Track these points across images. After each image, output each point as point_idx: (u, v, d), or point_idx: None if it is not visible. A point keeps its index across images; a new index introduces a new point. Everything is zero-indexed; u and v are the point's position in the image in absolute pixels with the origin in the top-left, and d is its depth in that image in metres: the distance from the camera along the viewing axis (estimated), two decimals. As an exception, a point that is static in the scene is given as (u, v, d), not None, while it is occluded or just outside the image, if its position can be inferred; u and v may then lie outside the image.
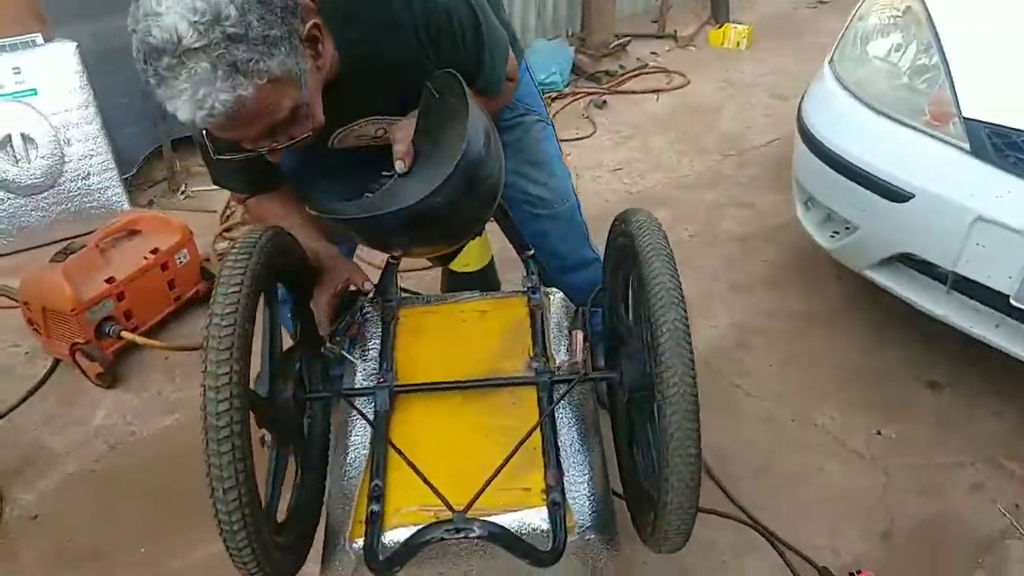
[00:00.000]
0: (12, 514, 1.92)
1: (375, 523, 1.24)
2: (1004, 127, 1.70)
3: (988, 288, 1.78)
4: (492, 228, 1.75)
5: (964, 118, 1.75)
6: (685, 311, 1.16)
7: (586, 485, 1.32)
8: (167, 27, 1.08)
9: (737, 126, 3.59)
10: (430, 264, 2.40)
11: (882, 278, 2.03)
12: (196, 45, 1.08)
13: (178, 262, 2.38)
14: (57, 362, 2.32)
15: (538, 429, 1.36)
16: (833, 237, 2.13)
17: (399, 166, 1.32)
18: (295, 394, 1.34)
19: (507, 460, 1.26)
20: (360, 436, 1.38)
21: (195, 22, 1.08)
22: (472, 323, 1.56)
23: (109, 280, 2.21)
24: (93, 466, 2.04)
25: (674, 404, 1.12)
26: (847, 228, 2.12)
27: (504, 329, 1.54)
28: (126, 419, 2.17)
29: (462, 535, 1.12)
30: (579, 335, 1.47)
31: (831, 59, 2.10)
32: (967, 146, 1.75)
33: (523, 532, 1.23)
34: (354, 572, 1.25)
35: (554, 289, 1.61)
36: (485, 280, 2.08)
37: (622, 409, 1.50)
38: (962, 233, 1.74)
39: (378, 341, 1.52)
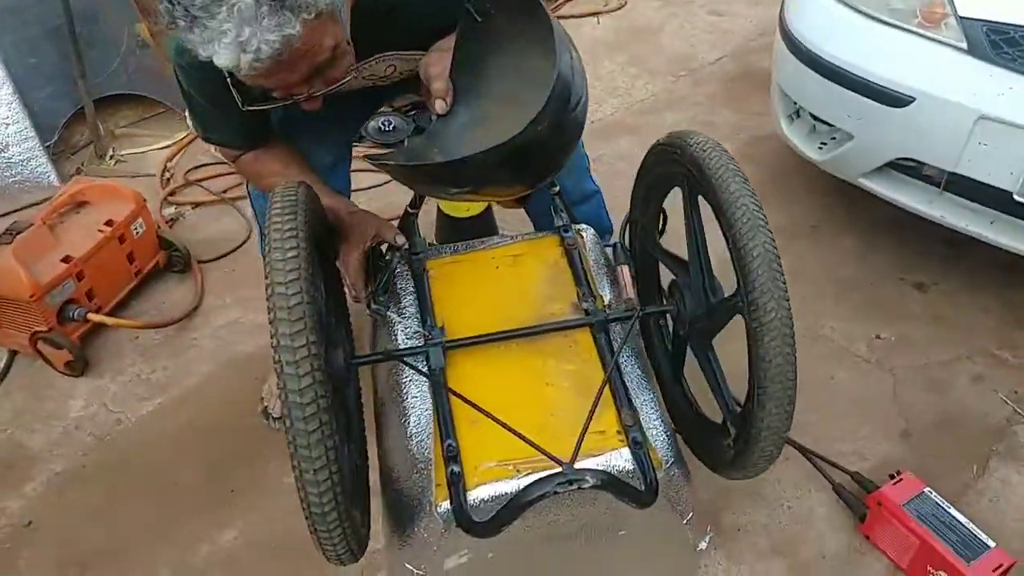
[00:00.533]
0: (0, 523, 1.76)
1: (457, 484, 1.18)
2: (1002, 23, 1.71)
3: (988, 186, 1.81)
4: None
5: (960, 17, 1.75)
6: (772, 234, 1.12)
7: (659, 421, 1.29)
8: None
9: (683, 45, 3.54)
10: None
11: (876, 185, 2.05)
12: None
13: (135, 233, 2.19)
14: (14, 354, 2.11)
15: (602, 368, 1.32)
16: (822, 148, 2.14)
17: (440, 106, 1.20)
18: (346, 360, 1.25)
19: (594, 407, 1.21)
20: (417, 398, 1.30)
21: None
22: (507, 268, 1.48)
23: (66, 259, 2.01)
24: (82, 461, 1.88)
25: (773, 330, 1.10)
26: (833, 139, 2.13)
27: (542, 272, 1.48)
28: (107, 407, 2.00)
29: (575, 486, 1.06)
30: (625, 270, 1.42)
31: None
32: (964, 45, 1.75)
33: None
34: (442, 537, 1.19)
35: (584, 225, 1.54)
36: (485, 225, 1.99)
37: (675, 341, 1.47)
38: (964, 133, 1.76)
39: (413, 297, 1.43)
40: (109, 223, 2.12)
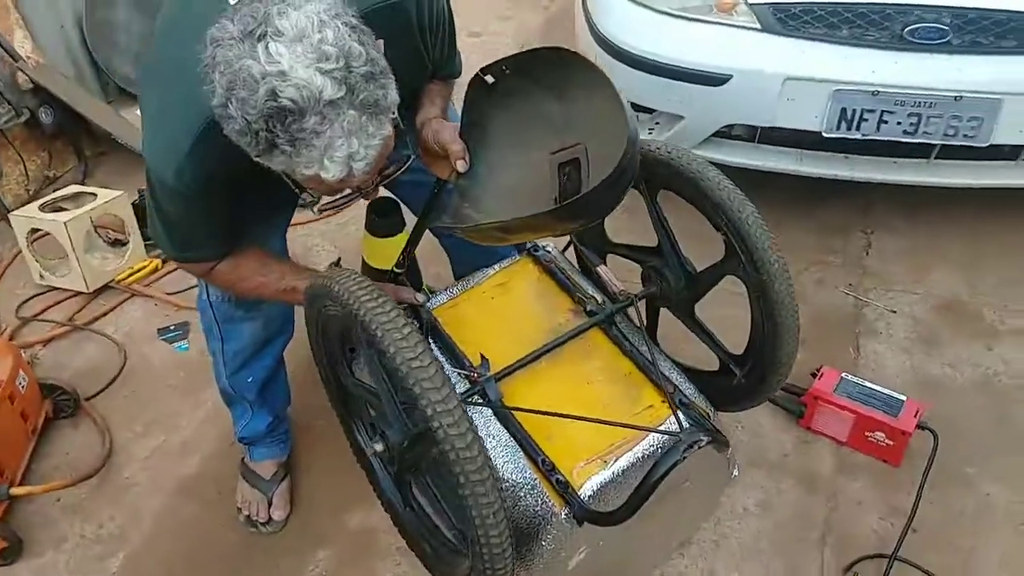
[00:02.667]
0: None
1: (567, 489, 1.31)
2: (783, 3, 2.15)
3: (799, 131, 2.26)
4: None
5: (750, 3, 2.17)
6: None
7: (686, 381, 1.51)
8: (302, 82, 0.96)
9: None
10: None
11: (705, 153, 2.43)
12: (338, 95, 0.98)
13: (21, 388, 1.95)
14: (-80, 564, 1.80)
15: (623, 356, 1.51)
16: (651, 132, 2.48)
17: (461, 165, 1.31)
18: None
19: (655, 378, 1.39)
20: (489, 432, 1.39)
21: (330, 71, 0.97)
22: (501, 297, 1.62)
23: (-36, 438, 1.76)
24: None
25: (778, 277, 1.36)
26: (657, 123, 2.47)
27: (532, 291, 1.63)
28: (67, 582, 1.80)
29: (695, 447, 1.24)
30: (604, 269, 1.62)
31: (615, -17, 2.40)
32: (758, 25, 2.17)
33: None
34: (568, 539, 1.31)
35: (544, 243, 1.71)
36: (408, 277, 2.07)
37: (650, 318, 1.70)
38: (775, 94, 2.18)
39: (436, 346, 1.51)
40: (-7, 385, 1.88)
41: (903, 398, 1.93)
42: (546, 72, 1.30)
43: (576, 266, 1.70)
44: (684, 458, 1.22)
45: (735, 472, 1.60)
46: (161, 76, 1.24)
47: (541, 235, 1.45)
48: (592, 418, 1.32)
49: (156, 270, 2.63)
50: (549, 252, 1.68)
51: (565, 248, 1.76)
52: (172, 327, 2.42)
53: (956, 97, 2.07)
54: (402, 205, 1.94)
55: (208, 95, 1.07)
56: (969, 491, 1.87)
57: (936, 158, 2.30)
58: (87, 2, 3.32)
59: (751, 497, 1.88)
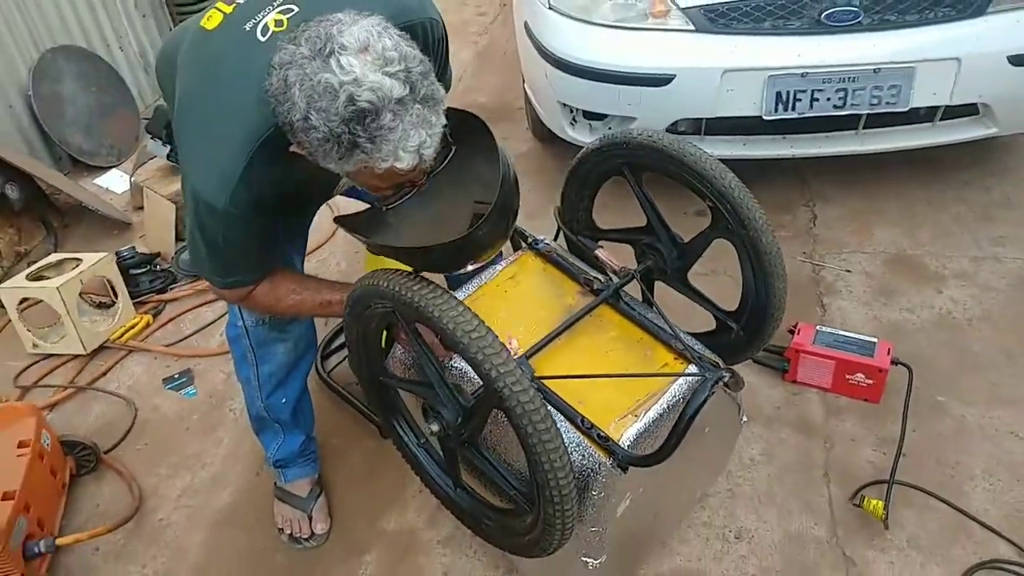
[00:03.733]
0: None
1: (608, 441, 1.45)
2: (711, 4, 2.38)
3: (740, 118, 2.49)
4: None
5: (682, 8, 2.40)
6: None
7: (692, 340, 1.67)
8: (374, 86, 1.11)
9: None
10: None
11: (657, 149, 2.64)
12: (405, 93, 1.13)
13: (46, 445, 2.00)
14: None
15: (634, 324, 1.67)
16: (606, 136, 2.68)
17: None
18: None
19: (674, 334, 1.55)
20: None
21: (395, 72, 1.12)
22: (513, 289, 1.76)
23: (6, 496, 1.79)
24: None
25: (765, 231, 1.54)
26: (610, 128, 2.68)
27: (540, 279, 1.77)
28: (125, 623, 1.83)
29: (722, 382, 1.40)
30: (603, 251, 1.79)
31: (550, 5, 2.59)
32: (692, 27, 2.40)
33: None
34: (615, 485, 1.45)
35: (542, 236, 1.86)
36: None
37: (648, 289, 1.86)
38: (716, 87, 2.41)
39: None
40: (23, 444, 1.91)
41: (875, 340, 2.13)
42: (479, 135, 1.44)
43: (585, 248, 1.86)
44: (713, 392, 1.37)
45: (744, 418, 1.77)
46: (203, 114, 1.36)
47: (428, 268, 1.53)
48: (622, 374, 1.47)
49: (148, 325, 2.68)
50: (548, 244, 1.83)
51: (555, 236, 1.91)
52: (176, 375, 2.48)
53: (875, 70, 2.33)
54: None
55: (259, 114, 1.21)
56: (945, 415, 2.08)
57: (864, 128, 2.55)
58: (32, 79, 3.38)
59: (755, 448, 2.05)
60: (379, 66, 1.13)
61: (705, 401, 1.36)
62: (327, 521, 1.97)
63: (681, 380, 1.56)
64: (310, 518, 1.95)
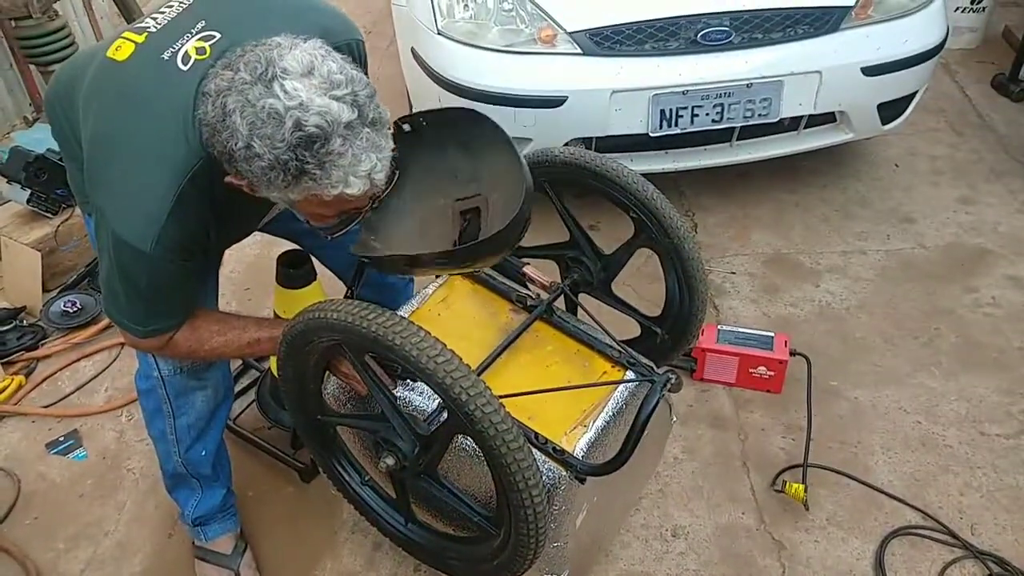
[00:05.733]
0: None
1: (564, 455, 1.46)
2: (596, 28, 2.47)
3: (629, 135, 2.60)
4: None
5: (569, 32, 2.48)
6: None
7: (624, 347, 1.72)
8: (321, 110, 1.07)
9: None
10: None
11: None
12: (353, 117, 1.11)
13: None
14: None
15: (569, 337, 1.71)
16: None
17: None
18: None
19: (619, 343, 1.59)
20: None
21: (343, 96, 1.09)
22: (446, 312, 1.75)
23: None
24: None
25: (687, 239, 1.63)
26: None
27: (472, 301, 1.78)
28: None
29: (668, 386, 1.45)
30: (530, 268, 1.81)
31: (438, 31, 2.61)
32: (579, 50, 2.49)
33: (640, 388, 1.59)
34: (574, 497, 1.47)
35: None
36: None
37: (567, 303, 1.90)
38: (604, 107, 2.50)
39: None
40: None
41: (771, 334, 2.28)
42: (456, 129, 1.48)
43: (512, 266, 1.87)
44: (663, 395, 1.42)
45: (674, 419, 1.84)
46: (122, 150, 1.26)
47: (443, 271, 1.59)
48: (569, 386, 1.50)
49: (21, 387, 2.44)
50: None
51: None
52: (62, 438, 2.26)
53: (747, 84, 2.51)
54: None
55: (184, 148, 1.16)
56: (840, 399, 2.25)
57: (738, 140, 2.74)
58: None
59: (676, 446, 2.14)
60: (325, 90, 1.10)
61: (657, 404, 1.41)
62: None
63: (622, 387, 1.61)
64: (238, 575, 1.84)
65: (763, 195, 3.11)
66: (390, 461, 1.40)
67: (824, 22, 2.54)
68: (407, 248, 1.48)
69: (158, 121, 1.23)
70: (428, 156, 1.51)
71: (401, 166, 1.47)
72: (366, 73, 1.51)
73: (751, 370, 2.25)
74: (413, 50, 2.76)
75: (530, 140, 2.61)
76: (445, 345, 1.22)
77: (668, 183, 3.11)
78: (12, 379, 2.44)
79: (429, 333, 1.23)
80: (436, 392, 1.23)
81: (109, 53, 1.31)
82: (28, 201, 2.68)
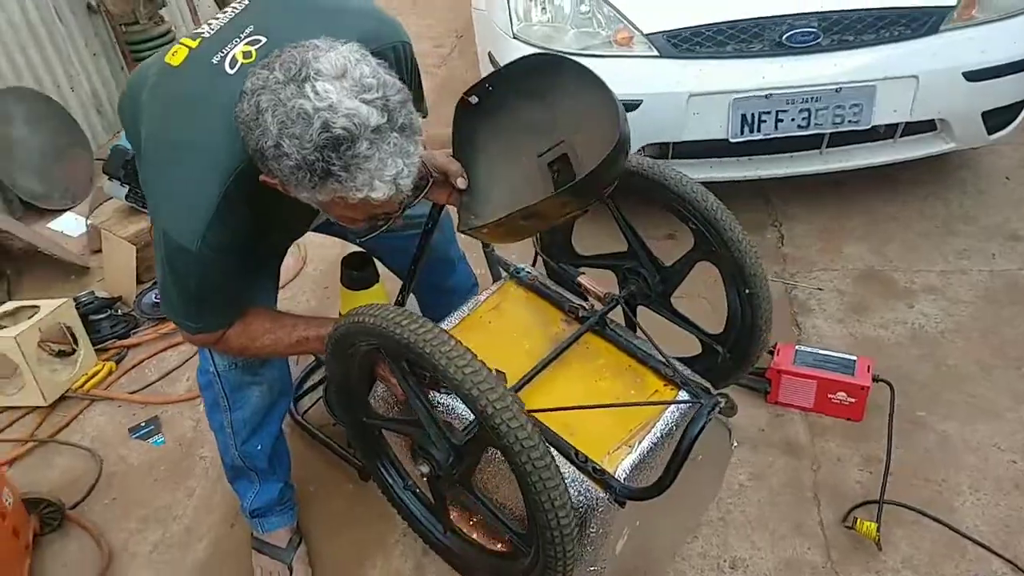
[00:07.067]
0: None
1: (604, 475, 1.41)
2: (674, 30, 2.40)
3: (707, 141, 2.50)
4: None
5: (646, 35, 2.41)
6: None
7: (681, 365, 1.65)
8: (350, 113, 1.07)
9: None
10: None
11: (626, 174, 2.64)
12: (382, 121, 1.10)
13: (7, 504, 1.89)
14: None
15: (621, 351, 1.64)
16: (577, 163, 2.67)
17: (461, 182, 1.44)
18: None
19: (666, 360, 1.53)
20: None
21: (372, 100, 1.09)
22: (497, 320, 1.72)
23: (-36, 564, 1.69)
24: None
25: (749, 252, 1.53)
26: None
27: (524, 309, 1.74)
28: None
29: (718, 409, 1.37)
30: (585, 277, 1.76)
31: (514, 35, 2.59)
32: (656, 53, 2.42)
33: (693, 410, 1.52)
34: (614, 520, 1.41)
35: (523, 264, 1.83)
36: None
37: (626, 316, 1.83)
38: (682, 111, 2.42)
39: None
40: (-19, 505, 1.81)
41: (854, 357, 2.14)
42: (525, 81, 1.44)
43: (569, 273, 1.83)
44: (711, 419, 1.35)
45: (734, 443, 1.74)
46: (169, 154, 1.31)
47: (554, 220, 1.51)
48: (615, 404, 1.44)
49: (111, 372, 2.58)
50: (531, 272, 1.80)
51: (533, 262, 1.88)
52: (143, 424, 2.38)
53: (837, 89, 2.37)
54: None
55: (230, 149, 1.17)
56: (927, 431, 2.08)
57: (827, 147, 2.59)
58: (-19, 123, 3.28)
59: (743, 473, 2.03)
60: (356, 93, 1.10)
61: (703, 428, 1.34)
62: (308, 571, 1.89)
63: (673, 407, 1.53)
64: (290, 569, 1.87)
65: (857, 206, 2.94)
66: (425, 468, 1.39)
67: (922, 23, 2.37)
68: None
69: (205, 123, 1.26)
70: (501, 120, 1.49)
71: (473, 140, 1.47)
72: (414, 74, 1.52)
73: (830, 395, 2.12)
74: (490, 54, 2.75)
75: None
76: (475, 356, 1.20)
77: (754, 191, 2.99)
78: (104, 365, 2.59)
79: (460, 343, 1.21)
80: (464, 403, 1.21)
81: (167, 58, 1.36)
82: (126, 197, 2.84)
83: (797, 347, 2.20)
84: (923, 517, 1.86)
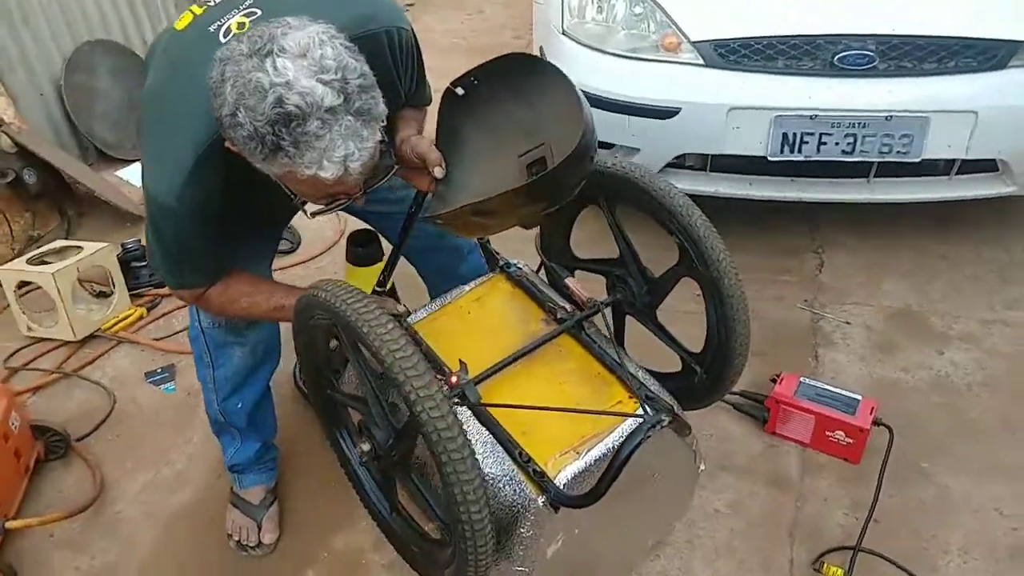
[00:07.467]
0: None
1: (543, 478, 1.39)
2: (722, 39, 2.33)
3: (745, 157, 2.43)
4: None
5: (693, 42, 2.35)
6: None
7: (651, 378, 1.61)
8: (304, 91, 1.10)
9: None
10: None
11: (661, 182, 2.59)
12: (337, 102, 1.12)
13: (13, 427, 2.01)
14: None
15: (593, 358, 1.62)
16: (612, 165, 2.63)
17: (438, 172, 1.44)
18: None
19: (621, 375, 1.50)
20: (470, 430, 1.48)
21: (330, 81, 1.11)
22: (477, 311, 1.72)
23: (-40, 475, 1.81)
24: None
25: (728, 273, 1.48)
26: (615, 157, 2.63)
27: (506, 304, 1.74)
28: (63, 612, 1.83)
29: (659, 427, 1.34)
30: (572, 280, 1.74)
31: (563, 31, 2.58)
32: (701, 61, 2.35)
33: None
34: (545, 525, 1.40)
35: (516, 260, 1.83)
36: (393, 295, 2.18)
37: (616, 324, 1.81)
38: (721, 123, 2.35)
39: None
40: (-13, 424, 1.94)
41: (859, 397, 2.04)
42: (511, 78, 1.44)
43: (546, 281, 1.82)
44: (648, 437, 1.31)
45: (701, 466, 1.69)
46: (161, 110, 1.36)
47: (512, 220, 1.51)
48: (560, 408, 1.42)
49: (141, 318, 2.71)
50: (520, 268, 1.80)
51: (538, 269, 1.87)
52: (159, 370, 2.49)
53: (887, 117, 2.25)
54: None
55: (211, 113, 1.20)
56: (928, 483, 1.97)
57: (876, 176, 2.47)
58: (66, 69, 3.47)
59: (722, 499, 1.97)
60: (314, 73, 1.12)
61: (639, 445, 1.31)
62: (276, 531, 1.94)
63: (631, 420, 1.50)
64: (259, 527, 1.93)
65: (906, 241, 2.80)
66: (365, 447, 1.41)
67: (989, 56, 2.22)
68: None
69: (192, 87, 1.31)
70: (485, 114, 1.49)
71: (458, 132, 1.47)
72: (409, 60, 1.52)
73: (827, 433, 2.03)
74: (541, 49, 2.74)
75: (637, 150, 2.51)
76: (409, 342, 1.20)
77: (801, 213, 2.89)
78: (136, 310, 2.72)
79: (398, 327, 1.22)
80: (393, 386, 1.22)
81: (176, 23, 1.41)
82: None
83: (801, 379, 2.11)
84: (900, 572, 1.76)
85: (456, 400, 1.47)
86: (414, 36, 1.52)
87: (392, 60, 1.45)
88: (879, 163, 2.40)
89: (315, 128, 1.12)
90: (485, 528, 1.22)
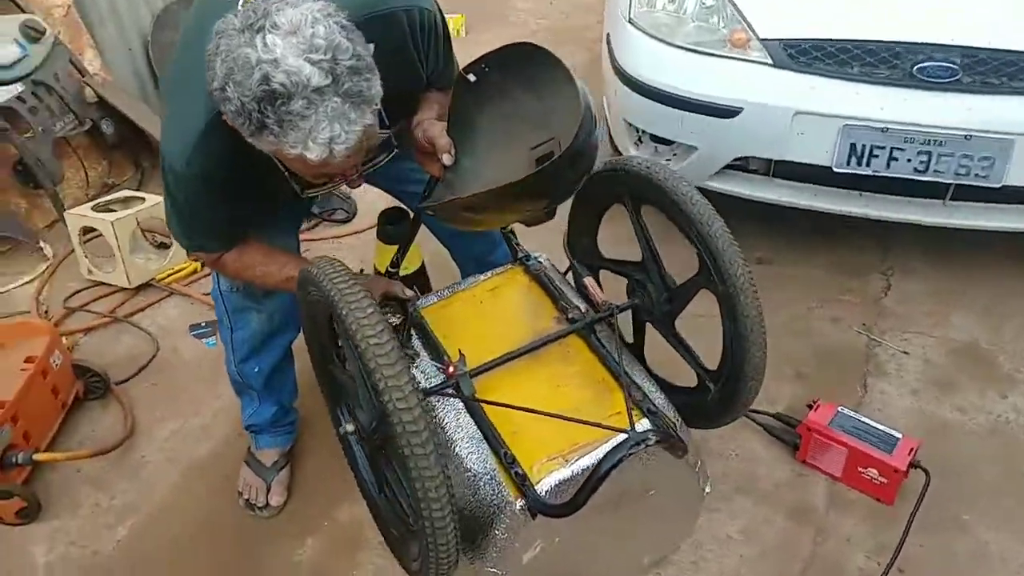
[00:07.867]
0: None
1: (525, 482, 1.35)
2: (794, 39, 2.19)
3: (809, 165, 2.28)
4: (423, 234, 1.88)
5: (761, 39, 2.22)
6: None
7: (658, 392, 1.54)
8: (292, 69, 1.08)
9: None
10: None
11: (720, 184, 2.46)
12: (325, 83, 1.10)
13: (54, 365, 2.11)
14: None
15: (600, 363, 1.56)
16: (669, 161, 2.53)
17: (447, 158, 1.40)
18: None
19: (624, 384, 1.44)
20: (460, 424, 1.46)
21: (319, 60, 1.09)
22: (489, 302, 1.69)
23: (-2, 404, 1.91)
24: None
25: (745, 290, 1.39)
26: (675, 154, 2.53)
27: (520, 297, 1.70)
28: (76, 544, 1.91)
29: (643, 446, 1.28)
30: (590, 280, 1.68)
31: (629, 19, 2.48)
32: (770, 60, 2.22)
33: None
34: (521, 531, 1.36)
35: (539, 253, 1.78)
36: (418, 282, 2.17)
37: (636, 330, 1.74)
38: (786, 128, 2.22)
39: (420, 343, 1.59)
40: (29, 360, 2.04)
41: (899, 435, 1.90)
42: (523, 68, 1.39)
43: (566, 279, 1.77)
44: (630, 454, 1.25)
45: (707, 488, 1.61)
46: (179, 78, 1.38)
47: (512, 216, 1.47)
48: (548, 412, 1.37)
49: (195, 272, 2.79)
50: (540, 262, 1.75)
51: (566, 272, 1.82)
52: (204, 324, 2.56)
53: (966, 136, 2.07)
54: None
55: (211, 81, 1.20)
56: (965, 535, 1.83)
57: (953, 199, 2.28)
58: (154, 25, 3.58)
59: (736, 524, 1.88)
60: (303, 52, 1.09)
61: (619, 462, 1.25)
62: (283, 495, 1.98)
63: (622, 434, 1.44)
64: (268, 488, 1.96)
65: (984, 273, 2.58)
66: (350, 428, 1.40)
67: (1091, 78, 2.01)
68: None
69: (205, 54, 1.31)
70: (497, 104, 1.45)
71: (470, 120, 1.44)
72: (432, 40, 1.48)
73: (860, 469, 1.90)
74: (608, 36, 2.65)
75: (695, 148, 2.40)
76: (386, 329, 1.18)
77: (872, 231, 2.72)
78: (191, 264, 2.80)
79: (377, 313, 1.20)
80: (363, 373, 1.20)
81: None
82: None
83: (839, 408, 1.98)
84: (913, 628, 1.64)
85: (451, 391, 1.46)
86: (441, 16, 1.48)
87: (413, 40, 1.42)
88: (956, 185, 2.22)
89: (300, 108, 1.10)
90: (447, 527, 1.19)
